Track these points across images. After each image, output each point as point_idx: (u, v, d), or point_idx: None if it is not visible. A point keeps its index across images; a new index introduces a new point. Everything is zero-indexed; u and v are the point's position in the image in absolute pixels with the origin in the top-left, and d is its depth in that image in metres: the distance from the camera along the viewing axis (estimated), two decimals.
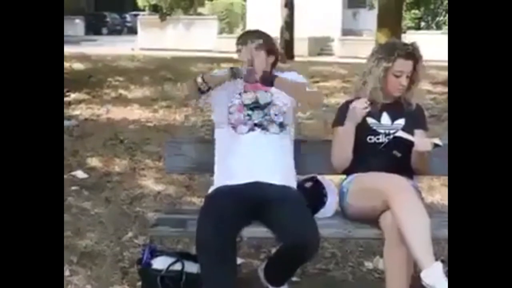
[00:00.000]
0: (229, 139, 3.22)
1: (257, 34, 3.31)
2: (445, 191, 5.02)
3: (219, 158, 3.29)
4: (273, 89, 3.22)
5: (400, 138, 3.10)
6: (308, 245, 2.84)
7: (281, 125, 3.24)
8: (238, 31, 29.65)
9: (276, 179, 3.10)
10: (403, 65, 3.19)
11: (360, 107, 3.18)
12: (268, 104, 3.25)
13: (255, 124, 3.21)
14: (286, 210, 2.93)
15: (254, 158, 3.13)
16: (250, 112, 3.23)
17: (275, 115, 3.23)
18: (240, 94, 3.26)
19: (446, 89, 9.30)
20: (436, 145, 3.04)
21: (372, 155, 3.19)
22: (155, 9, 26.51)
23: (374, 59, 3.25)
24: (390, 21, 11.62)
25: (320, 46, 24.82)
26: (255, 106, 3.24)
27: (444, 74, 11.01)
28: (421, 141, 3.09)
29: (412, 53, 3.21)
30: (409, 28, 25.33)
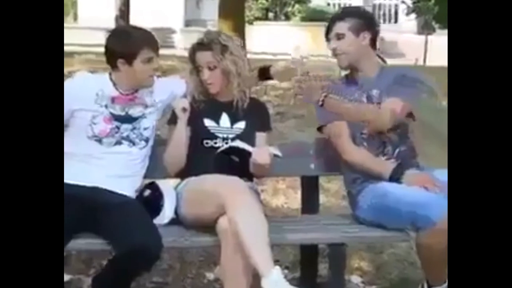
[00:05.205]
0: (90, 151, 3.12)
1: None
2: (290, 193, 5.19)
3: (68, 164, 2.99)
4: (147, 101, 3.24)
5: (237, 147, 3.15)
6: (147, 252, 2.81)
7: (147, 140, 3.24)
8: (68, 20, 29.00)
9: (120, 189, 3.09)
10: (200, 58, 3.29)
11: (180, 107, 3.24)
12: (139, 117, 3.22)
13: (122, 138, 3.17)
14: (121, 215, 2.91)
15: (111, 171, 3.10)
16: (118, 124, 3.17)
17: (145, 129, 3.22)
18: (106, 105, 3.17)
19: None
20: (275, 155, 3.11)
21: (208, 159, 3.19)
22: None
23: None
24: (232, 11, 11.69)
25: (161, 38, 24.72)
26: (125, 118, 3.19)
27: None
28: (259, 153, 3.10)
29: (206, 44, 3.29)
30: (257, 18, 25.89)
